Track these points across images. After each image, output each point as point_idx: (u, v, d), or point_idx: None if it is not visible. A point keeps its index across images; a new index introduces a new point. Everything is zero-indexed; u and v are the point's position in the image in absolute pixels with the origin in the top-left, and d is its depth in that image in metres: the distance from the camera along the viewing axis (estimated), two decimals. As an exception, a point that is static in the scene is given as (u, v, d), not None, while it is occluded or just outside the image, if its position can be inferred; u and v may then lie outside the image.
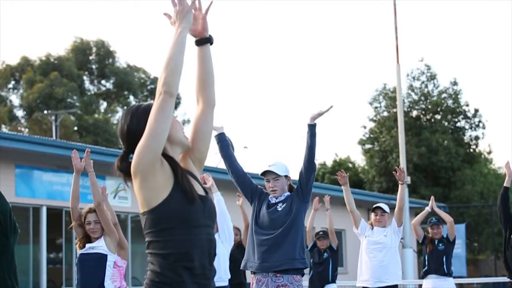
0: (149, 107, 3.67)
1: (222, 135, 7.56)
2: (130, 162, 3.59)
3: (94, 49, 51.77)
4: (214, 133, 7.47)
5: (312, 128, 7.39)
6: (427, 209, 12.19)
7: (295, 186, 7.42)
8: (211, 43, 3.95)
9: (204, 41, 3.92)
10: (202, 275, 3.61)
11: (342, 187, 9.77)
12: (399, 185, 9.82)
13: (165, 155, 3.63)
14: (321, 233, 13.15)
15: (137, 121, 3.70)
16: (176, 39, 3.62)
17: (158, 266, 3.56)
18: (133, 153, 3.60)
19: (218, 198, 8.99)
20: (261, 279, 7.09)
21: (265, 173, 7.34)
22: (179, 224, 3.55)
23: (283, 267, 7.01)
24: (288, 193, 7.32)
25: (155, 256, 3.58)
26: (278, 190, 7.27)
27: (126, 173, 3.67)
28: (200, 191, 3.71)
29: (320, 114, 7.42)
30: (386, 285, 9.66)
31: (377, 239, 9.77)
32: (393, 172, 10.20)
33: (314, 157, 7.34)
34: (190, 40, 3.85)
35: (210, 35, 3.93)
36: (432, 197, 12.45)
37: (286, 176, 7.34)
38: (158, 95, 3.53)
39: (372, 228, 9.96)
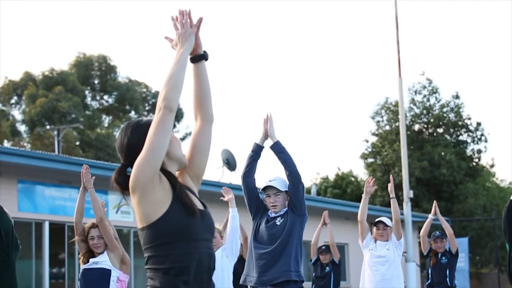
0: (149, 122, 3.68)
1: (261, 149, 7.53)
2: (128, 176, 3.59)
3: (96, 64, 51.88)
4: (270, 142, 7.44)
5: (275, 147, 7.36)
6: (431, 216, 12.16)
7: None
8: (206, 59, 3.96)
9: (199, 58, 3.93)
10: None
11: (365, 195, 9.76)
12: (391, 199, 9.96)
13: (163, 169, 3.63)
14: (323, 247, 13.19)
15: (137, 135, 3.70)
16: (177, 59, 3.66)
17: (158, 282, 3.55)
18: (131, 167, 3.61)
19: (234, 215, 8.97)
20: (260, 286, 7.12)
21: (266, 188, 7.35)
22: (178, 238, 3.54)
23: (280, 279, 7.05)
24: (287, 209, 7.34)
25: (155, 271, 3.56)
26: (278, 205, 7.30)
27: (123, 186, 3.66)
28: (199, 206, 3.71)
29: (267, 133, 7.40)
30: None
31: (380, 253, 9.79)
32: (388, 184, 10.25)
33: (294, 168, 7.28)
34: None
35: (204, 52, 3.94)
36: (435, 203, 12.35)
37: (286, 192, 7.35)
38: (158, 110, 3.54)
39: (375, 242, 9.98)
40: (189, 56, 3.85)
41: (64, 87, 47.56)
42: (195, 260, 3.57)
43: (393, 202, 9.98)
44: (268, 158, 7.68)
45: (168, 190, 3.59)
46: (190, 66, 3.92)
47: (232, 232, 9.09)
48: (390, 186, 10.05)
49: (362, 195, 9.87)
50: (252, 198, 7.43)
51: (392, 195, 9.98)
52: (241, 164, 7.72)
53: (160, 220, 3.53)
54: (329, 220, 12.60)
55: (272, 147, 7.38)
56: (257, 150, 7.44)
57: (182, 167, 3.80)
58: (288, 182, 7.34)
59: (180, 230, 3.55)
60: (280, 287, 7.06)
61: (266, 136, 7.42)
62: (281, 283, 7.06)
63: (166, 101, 3.53)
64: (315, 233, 12.56)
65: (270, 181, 7.36)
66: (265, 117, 7.46)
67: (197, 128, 3.95)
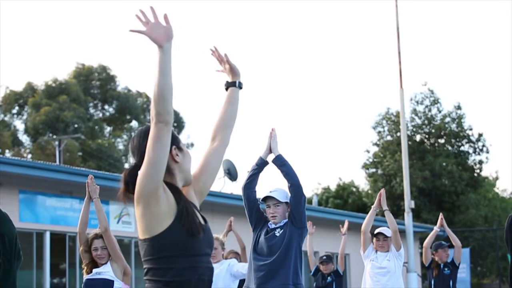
0: None
1: (265, 164, 7.54)
2: (137, 176, 3.59)
3: (95, 74, 51.94)
4: (272, 156, 7.45)
5: (277, 160, 7.35)
6: (436, 229, 12.01)
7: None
8: (240, 88, 4.09)
9: (231, 84, 4.06)
10: None
11: (375, 207, 9.79)
12: (384, 212, 9.95)
13: (171, 184, 3.63)
14: (324, 257, 13.06)
15: None
16: (160, 67, 3.51)
17: None
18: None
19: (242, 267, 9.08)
20: None
21: (266, 198, 7.34)
22: (180, 253, 3.53)
23: None
24: (287, 220, 7.33)
25: (155, 283, 3.57)
26: (278, 216, 7.28)
27: (129, 188, 3.65)
28: (200, 221, 3.71)
29: (270, 147, 7.41)
30: None
31: (381, 264, 9.78)
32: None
33: (296, 180, 7.24)
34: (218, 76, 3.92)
35: (239, 81, 4.06)
36: (441, 215, 12.21)
37: (286, 203, 7.33)
38: (153, 124, 3.50)
39: (376, 252, 9.98)
40: (225, 81, 4.05)
41: (68, 96, 47.62)
42: (196, 274, 3.57)
43: (387, 214, 9.96)
44: (270, 170, 7.67)
45: (172, 204, 3.59)
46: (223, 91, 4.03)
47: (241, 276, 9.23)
48: (382, 199, 9.97)
49: (372, 206, 9.85)
50: (252, 210, 7.42)
51: (385, 207, 9.93)
52: (242, 174, 7.74)
53: (162, 234, 3.53)
54: (346, 232, 12.59)
55: (274, 161, 7.38)
56: (261, 165, 7.45)
57: (187, 184, 3.80)
58: (289, 194, 7.33)
59: (182, 245, 3.55)
60: None
61: (269, 150, 7.43)
62: None
63: (159, 116, 3.49)
64: (307, 243, 12.17)
65: (270, 191, 7.35)
66: (269, 131, 7.48)
67: (213, 148, 4.00)
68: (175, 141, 3.71)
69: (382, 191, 10.14)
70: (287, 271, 7.07)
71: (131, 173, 3.67)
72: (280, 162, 7.33)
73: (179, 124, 52.58)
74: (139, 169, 3.61)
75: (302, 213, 7.28)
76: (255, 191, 7.47)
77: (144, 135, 3.70)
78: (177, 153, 3.71)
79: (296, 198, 7.24)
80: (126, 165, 52.09)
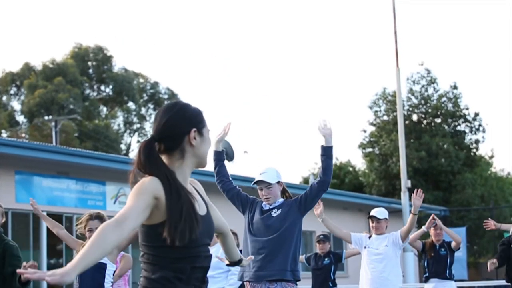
0: (194, 114, 3.71)
1: (221, 154, 7.55)
2: (153, 150, 3.56)
3: (92, 55, 51.81)
4: (214, 148, 7.46)
5: (328, 150, 7.28)
6: (424, 229, 11.49)
7: (288, 190, 7.43)
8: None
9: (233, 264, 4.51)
10: (195, 286, 3.61)
11: (318, 219, 9.52)
12: (412, 215, 9.55)
13: (171, 182, 3.53)
14: (321, 236, 12.76)
15: (178, 119, 3.66)
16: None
17: (152, 274, 3.55)
18: (159, 142, 3.60)
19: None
20: (255, 285, 7.11)
21: (257, 181, 7.31)
22: (180, 245, 3.49)
23: (275, 277, 7.02)
24: (282, 200, 7.31)
25: (150, 265, 3.57)
26: (271, 197, 7.25)
27: (141, 163, 3.55)
28: (202, 211, 3.68)
29: (329, 132, 7.35)
30: None
31: (378, 250, 9.63)
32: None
33: (329, 178, 7.22)
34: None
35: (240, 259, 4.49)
36: (432, 216, 11.78)
37: (278, 182, 7.31)
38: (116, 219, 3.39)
39: (370, 237, 9.84)
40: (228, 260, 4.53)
41: (64, 78, 47.50)
42: (191, 262, 3.56)
43: (412, 217, 9.55)
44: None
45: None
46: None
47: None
48: (418, 204, 9.54)
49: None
50: (233, 198, 7.44)
51: (415, 211, 9.54)
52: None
53: (160, 225, 3.49)
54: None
55: (323, 148, 7.29)
56: (217, 159, 7.48)
57: (201, 167, 3.76)
58: (279, 173, 7.33)
59: None
60: (276, 282, 7.05)
61: (221, 139, 7.43)
62: (277, 280, 7.05)
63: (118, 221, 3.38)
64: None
65: (260, 174, 7.30)
66: (323, 121, 7.37)
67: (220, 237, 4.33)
68: (197, 124, 3.67)
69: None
70: (286, 256, 7.05)
71: (146, 146, 3.59)
72: (327, 154, 7.27)
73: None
74: (154, 142, 3.59)
75: (315, 203, 7.32)
76: (228, 180, 7.46)
77: (171, 109, 3.68)
78: (195, 136, 3.65)
79: (318, 192, 7.22)
80: (122, 146, 52.08)
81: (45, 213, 8.71)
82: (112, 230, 3.30)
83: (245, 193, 7.50)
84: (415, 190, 9.54)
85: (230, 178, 7.54)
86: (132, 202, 3.42)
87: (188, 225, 3.48)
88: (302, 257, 12.81)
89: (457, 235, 12.18)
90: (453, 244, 12.16)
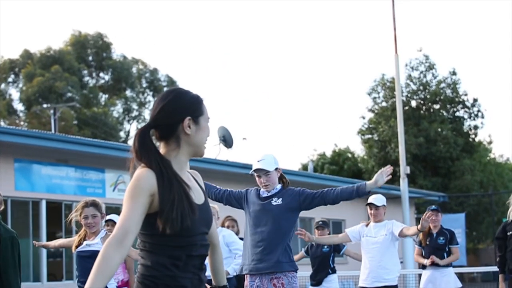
0: (190, 101, 3.64)
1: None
2: (148, 137, 3.53)
3: (91, 42, 51.70)
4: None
5: (363, 193, 7.25)
6: (418, 228, 11.38)
7: (286, 176, 7.44)
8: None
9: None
10: (193, 273, 3.60)
11: (420, 228, 9.30)
12: (416, 228, 9.45)
13: (165, 171, 3.51)
14: (320, 222, 12.57)
15: (173, 106, 3.60)
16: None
17: (149, 261, 3.54)
18: (155, 129, 3.58)
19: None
20: (255, 277, 7.13)
21: (256, 169, 7.29)
22: (174, 233, 3.48)
23: (275, 269, 7.05)
24: (280, 186, 7.31)
25: (147, 252, 3.56)
26: (270, 184, 7.24)
27: (137, 151, 3.53)
28: (199, 200, 3.65)
29: (383, 183, 7.33)
30: (384, 285, 9.56)
31: (376, 238, 9.62)
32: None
33: (335, 203, 7.30)
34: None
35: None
36: (432, 258, 11.72)
37: (276, 169, 7.30)
38: (115, 233, 3.41)
39: (367, 226, 9.81)
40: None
41: (61, 66, 47.41)
42: (187, 251, 3.55)
43: (415, 230, 9.51)
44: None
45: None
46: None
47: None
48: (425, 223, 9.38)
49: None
50: (230, 202, 7.48)
51: (421, 229, 9.35)
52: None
53: (156, 214, 3.48)
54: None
55: (363, 190, 7.18)
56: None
57: (198, 156, 3.70)
58: (276, 159, 7.32)
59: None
60: (274, 275, 7.08)
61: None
62: (276, 272, 7.07)
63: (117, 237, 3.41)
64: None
65: (258, 161, 7.27)
66: (387, 169, 7.33)
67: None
68: (192, 112, 3.61)
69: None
70: (284, 247, 7.08)
71: (141, 134, 3.56)
72: (359, 195, 7.25)
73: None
74: (149, 130, 3.56)
75: (314, 207, 7.33)
76: (216, 189, 7.49)
77: (166, 96, 3.64)
78: (189, 124, 3.59)
79: (319, 204, 7.27)
80: (122, 133, 52.07)
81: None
82: (114, 251, 3.36)
83: (235, 190, 7.50)
84: (425, 213, 9.40)
85: (217, 186, 7.55)
86: (129, 210, 3.41)
87: (179, 213, 3.45)
88: (302, 253, 12.87)
89: (456, 259, 12.03)
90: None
